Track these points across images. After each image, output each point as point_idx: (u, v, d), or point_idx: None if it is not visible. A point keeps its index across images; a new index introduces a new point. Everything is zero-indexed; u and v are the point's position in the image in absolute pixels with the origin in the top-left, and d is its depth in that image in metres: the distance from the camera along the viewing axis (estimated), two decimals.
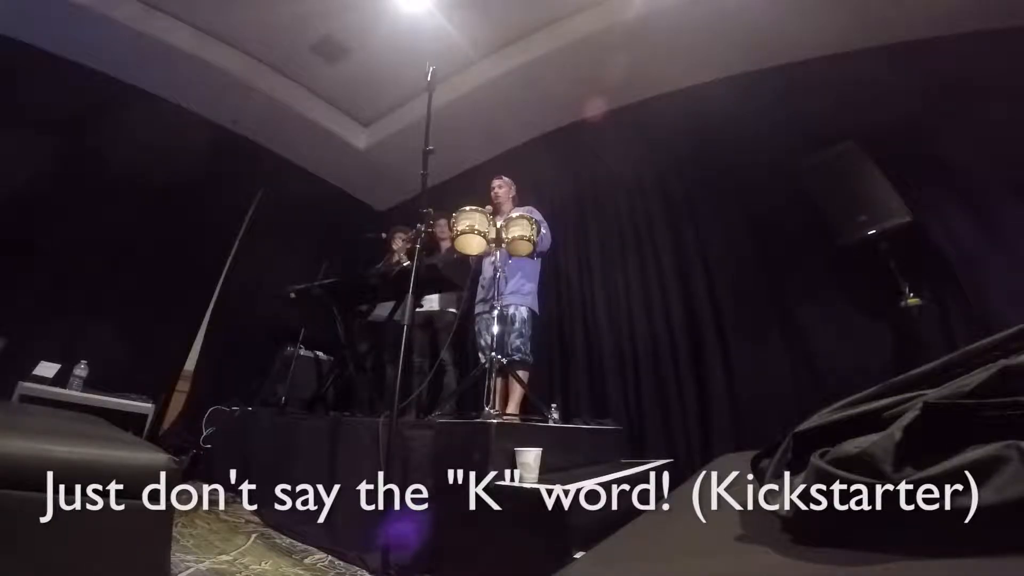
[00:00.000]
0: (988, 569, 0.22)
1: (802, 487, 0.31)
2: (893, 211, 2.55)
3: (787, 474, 0.35)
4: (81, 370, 3.09)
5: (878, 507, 0.26)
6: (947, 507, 0.24)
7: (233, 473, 2.79)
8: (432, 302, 3.52)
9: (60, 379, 3.04)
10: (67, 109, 3.65)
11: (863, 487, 0.27)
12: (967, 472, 0.24)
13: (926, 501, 0.25)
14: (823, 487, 0.29)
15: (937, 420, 0.27)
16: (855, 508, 0.28)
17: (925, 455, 0.26)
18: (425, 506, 1.68)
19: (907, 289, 2.49)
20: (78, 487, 0.77)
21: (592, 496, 1.52)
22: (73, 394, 2.95)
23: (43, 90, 3.56)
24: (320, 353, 3.90)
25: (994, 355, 0.28)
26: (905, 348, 2.56)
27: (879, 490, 0.26)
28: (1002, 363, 0.27)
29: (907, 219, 2.52)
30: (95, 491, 0.79)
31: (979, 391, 0.26)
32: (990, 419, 0.25)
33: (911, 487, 0.25)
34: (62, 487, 0.75)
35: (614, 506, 1.68)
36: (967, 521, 0.24)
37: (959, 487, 0.24)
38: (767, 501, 0.34)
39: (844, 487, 0.27)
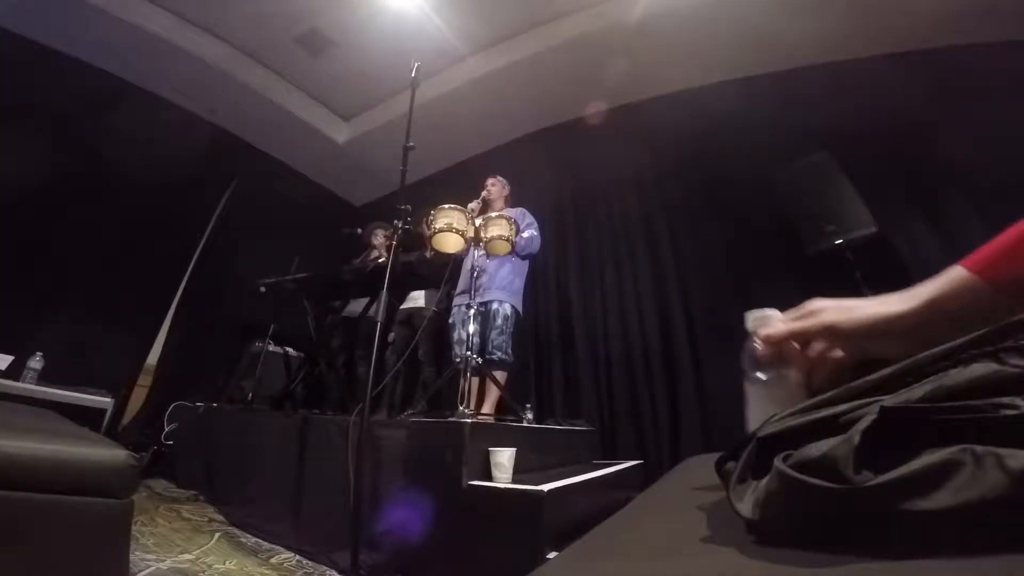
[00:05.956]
0: (946, 570, 0.23)
1: (765, 490, 0.32)
2: (860, 222, 2.64)
3: (751, 477, 0.36)
4: (36, 362, 2.96)
5: (839, 510, 0.27)
6: (906, 509, 0.25)
7: (196, 471, 2.73)
8: (417, 299, 3.49)
9: (13, 371, 2.90)
10: (35, 95, 3.50)
11: (824, 490, 0.27)
12: (925, 475, 0.25)
13: (885, 504, 0.26)
14: (786, 490, 0.30)
15: (893, 425, 0.28)
16: (818, 511, 0.28)
17: (882, 459, 0.27)
18: (396, 505, 1.67)
19: None
20: (29, 484, 0.74)
21: (565, 496, 1.54)
22: (26, 387, 2.82)
23: (12, 76, 3.40)
24: (290, 349, 3.82)
25: (943, 365, 0.30)
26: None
27: (840, 493, 0.27)
28: (952, 373, 0.29)
29: (873, 230, 2.62)
30: (47, 488, 0.75)
31: (929, 398, 0.28)
32: (942, 423, 0.27)
33: (871, 490, 0.26)
34: (12, 484, 0.72)
35: (586, 506, 1.70)
36: (926, 523, 0.25)
37: (917, 490, 0.25)
38: (732, 503, 0.34)
39: (806, 490, 0.28)
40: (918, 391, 0.28)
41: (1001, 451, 0.23)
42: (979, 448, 0.24)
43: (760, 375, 0.51)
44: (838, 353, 0.51)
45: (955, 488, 0.24)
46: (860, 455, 0.26)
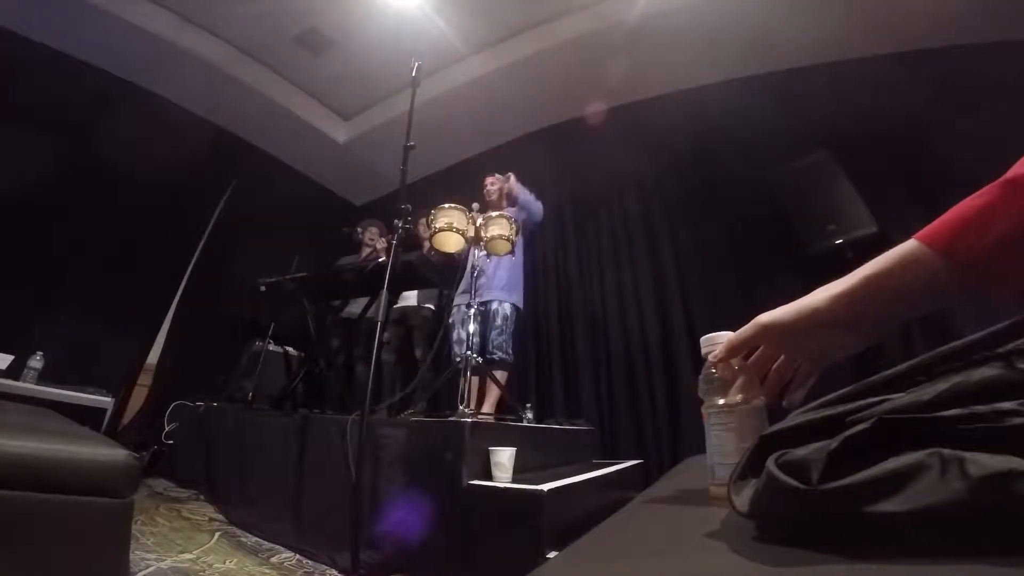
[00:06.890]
0: (918, 574, 0.23)
1: (756, 487, 0.32)
2: (860, 221, 2.64)
3: (751, 475, 0.36)
4: (36, 361, 2.95)
5: (806, 510, 0.27)
6: (867, 512, 0.25)
7: (197, 470, 2.73)
8: (409, 298, 3.49)
9: (13, 371, 2.90)
10: (35, 95, 3.49)
11: (793, 490, 0.28)
12: (886, 479, 0.25)
13: (847, 506, 0.26)
14: (768, 488, 0.30)
15: (889, 431, 0.27)
16: (790, 510, 0.29)
17: (859, 463, 0.27)
18: (396, 505, 1.67)
19: None
20: (29, 484, 0.74)
21: (565, 496, 1.54)
22: (27, 387, 2.81)
23: (12, 76, 3.40)
24: (290, 348, 3.82)
25: (955, 365, 0.30)
26: (867, 357, 2.64)
27: (803, 494, 0.27)
28: (962, 374, 0.28)
29: (873, 229, 2.61)
30: (47, 488, 0.75)
31: (937, 401, 0.27)
32: (944, 431, 0.26)
33: (829, 492, 0.26)
34: (12, 484, 0.72)
35: (586, 506, 1.70)
36: (886, 526, 0.25)
37: (878, 493, 0.25)
38: (730, 498, 0.35)
39: (780, 489, 0.28)
40: (928, 392, 0.28)
41: (966, 455, 0.23)
42: (947, 452, 0.24)
43: (718, 400, 0.50)
44: (801, 365, 0.49)
45: (915, 492, 0.23)
46: (834, 458, 0.26)
